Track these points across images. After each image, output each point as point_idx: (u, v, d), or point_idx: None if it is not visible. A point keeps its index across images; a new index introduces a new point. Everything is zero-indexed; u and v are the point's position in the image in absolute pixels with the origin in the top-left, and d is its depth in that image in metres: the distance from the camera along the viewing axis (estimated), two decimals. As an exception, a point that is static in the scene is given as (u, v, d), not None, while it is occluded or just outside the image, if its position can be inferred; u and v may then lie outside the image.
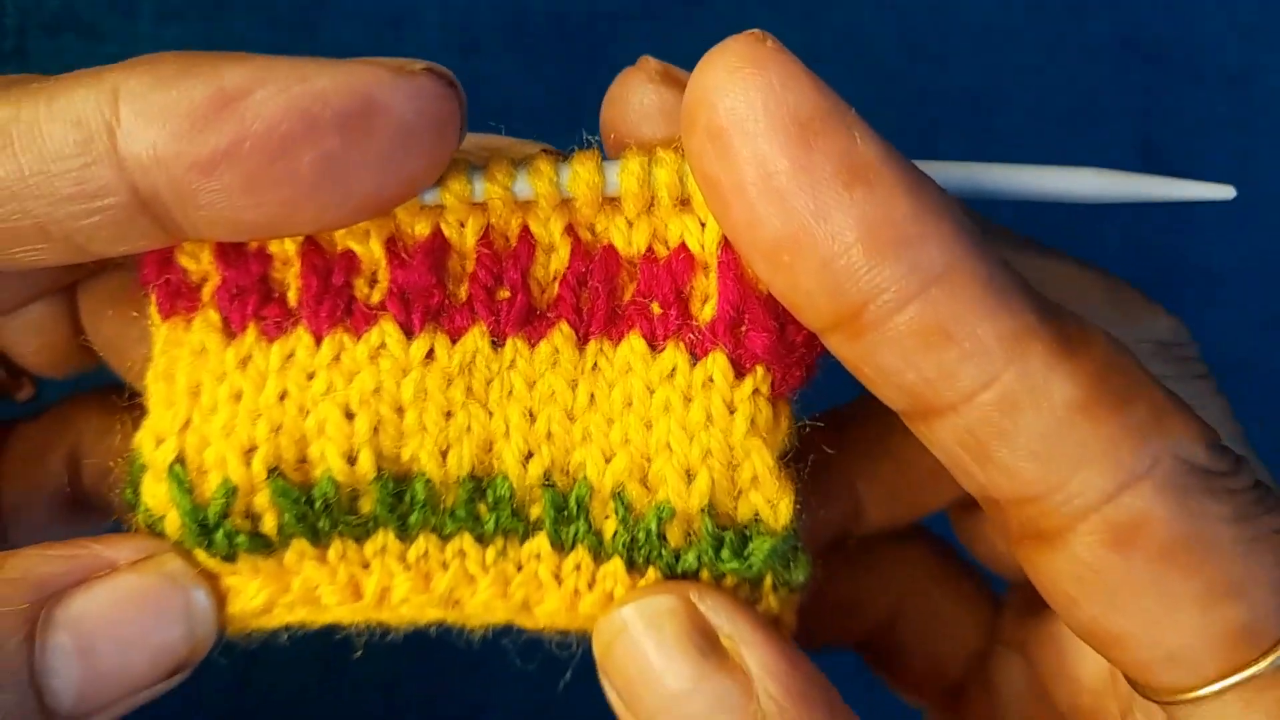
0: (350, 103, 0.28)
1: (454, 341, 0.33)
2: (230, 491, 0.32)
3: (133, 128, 0.28)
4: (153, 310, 0.34)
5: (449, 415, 0.33)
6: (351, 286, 0.33)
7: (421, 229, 0.32)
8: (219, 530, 0.33)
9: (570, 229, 0.33)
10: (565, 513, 0.33)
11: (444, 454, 0.33)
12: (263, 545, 0.33)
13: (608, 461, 0.33)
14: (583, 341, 0.33)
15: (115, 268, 0.38)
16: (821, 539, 0.41)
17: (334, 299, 0.33)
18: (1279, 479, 0.35)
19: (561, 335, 0.33)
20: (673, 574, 0.33)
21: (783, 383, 0.32)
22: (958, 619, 0.45)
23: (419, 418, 0.33)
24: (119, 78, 0.28)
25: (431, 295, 0.33)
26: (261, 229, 0.30)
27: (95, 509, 0.41)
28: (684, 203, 0.32)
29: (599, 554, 0.34)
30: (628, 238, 0.33)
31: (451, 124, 0.30)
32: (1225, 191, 0.31)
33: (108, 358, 0.40)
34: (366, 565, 0.34)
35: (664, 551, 0.33)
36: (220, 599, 0.34)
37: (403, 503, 0.33)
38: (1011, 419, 0.27)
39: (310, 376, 0.33)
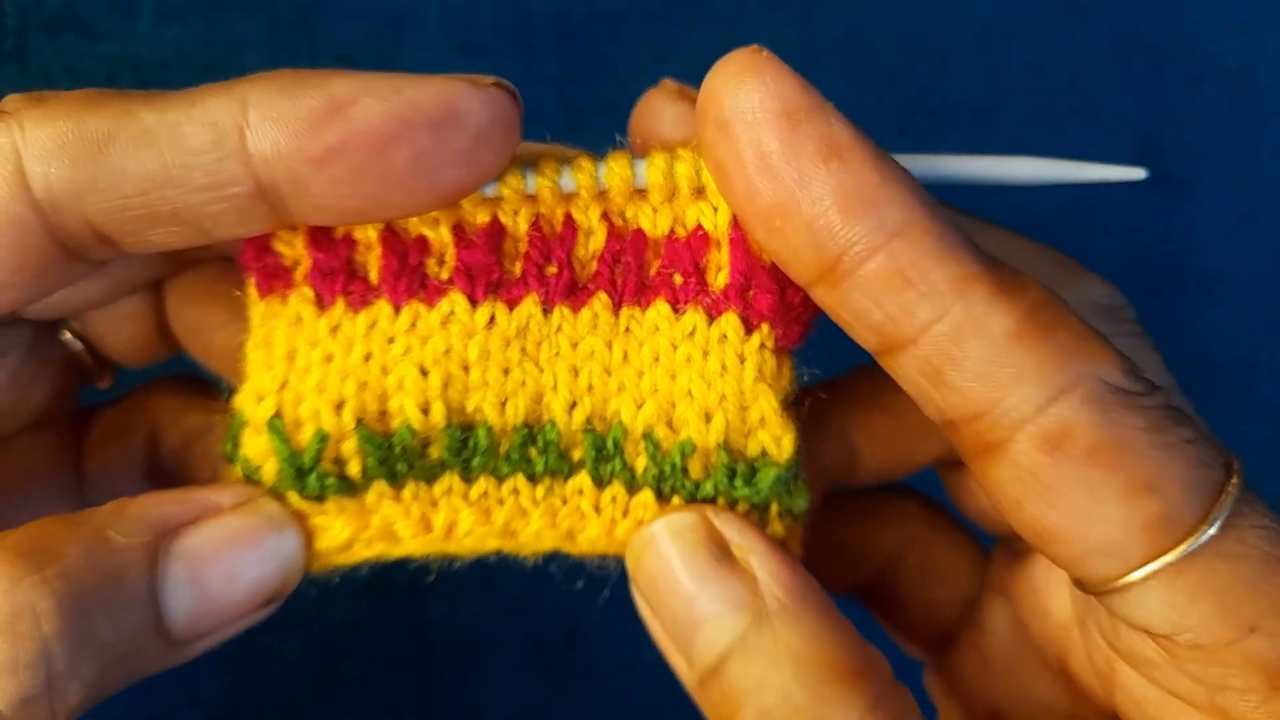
0: (438, 109, 0.32)
1: (511, 309, 0.37)
2: (323, 439, 0.36)
3: (259, 128, 0.32)
4: (251, 290, 0.38)
5: (507, 372, 0.37)
6: (424, 265, 0.37)
7: (482, 217, 0.37)
8: (312, 474, 0.36)
9: (606, 215, 0.37)
10: (603, 453, 0.37)
11: (503, 405, 0.37)
12: (348, 487, 0.37)
13: (639, 408, 0.37)
14: (617, 308, 0.37)
15: (198, 265, 0.42)
16: (823, 486, 0.43)
17: (410, 275, 0.37)
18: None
19: (600, 303, 0.37)
20: (694, 501, 0.37)
21: (784, 338, 0.37)
22: (952, 566, 0.47)
23: (482, 374, 0.37)
24: (246, 88, 0.32)
25: (492, 271, 0.37)
26: (361, 214, 0.34)
27: (171, 483, 0.43)
28: (699, 192, 0.36)
29: (632, 487, 0.37)
30: (653, 221, 0.37)
31: (515, 127, 0.34)
32: (1135, 173, 0.36)
33: (188, 344, 0.43)
34: (435, 503, 0.38)
35: (686, 483, 0.37)
36: (309, 538, 0.37)
37: (466, 448, 0.37)
38: (959, 347, 0.31)
39: (390, 341, 0.37)
